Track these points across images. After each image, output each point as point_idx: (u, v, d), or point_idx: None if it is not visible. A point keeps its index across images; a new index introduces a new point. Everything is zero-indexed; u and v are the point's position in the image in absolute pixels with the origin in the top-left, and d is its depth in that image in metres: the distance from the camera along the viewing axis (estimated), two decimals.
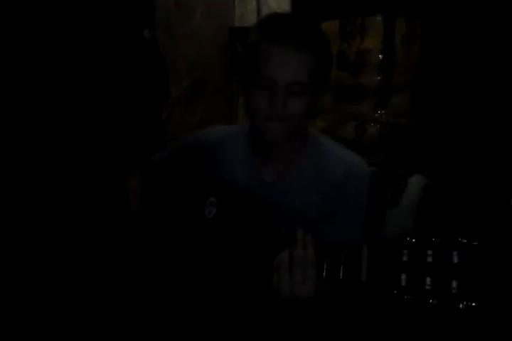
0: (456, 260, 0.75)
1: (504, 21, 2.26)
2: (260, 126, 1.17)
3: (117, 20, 1.69)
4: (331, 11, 2.46)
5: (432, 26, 2.40)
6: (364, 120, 2.49)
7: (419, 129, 2.45)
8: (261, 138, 1.21)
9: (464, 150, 2.24)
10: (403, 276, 0.79)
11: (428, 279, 0.77)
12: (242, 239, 1.08)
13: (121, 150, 1.67)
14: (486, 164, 2.05)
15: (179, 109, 2.22)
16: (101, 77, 1.63)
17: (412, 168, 2.03)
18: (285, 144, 1.21)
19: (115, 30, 1.68)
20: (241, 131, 1.32)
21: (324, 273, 0.90)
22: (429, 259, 0.77)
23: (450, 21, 2.41)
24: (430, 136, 2.42)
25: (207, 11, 2.45)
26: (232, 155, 1.30)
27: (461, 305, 0.73)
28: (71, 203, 1.51)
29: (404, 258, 0.80)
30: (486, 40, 2.36)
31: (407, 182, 1.40)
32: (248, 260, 1.05)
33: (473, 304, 0.72)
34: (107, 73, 1.65)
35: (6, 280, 1.35)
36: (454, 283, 0.74)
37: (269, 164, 1.26)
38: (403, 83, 2.46)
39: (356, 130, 2.52)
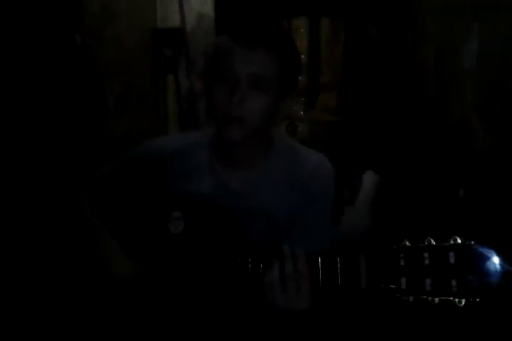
0: (452, 260, 0.78)
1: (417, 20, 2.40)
2: (221, 127, 1.15)
3: (48, 25, 1.61)
4: (256, 13, 2.48)
5: (355, 26, 2.51)
6: (294, 119, 2.55)
7: (347, 125, 2.55)
8: (222, 142, 1.19)
9: (396, 142, 2.36)
10: (403, 280, 0.81)
11: (428, 281, 0.79)
12: (215, 253, 1.06)
13: (66, 162, 1.58)
14: (426, 157, 2.16)
15: (111, 118, 2.13)
16: (36, 86, 1.54)
17: (345, 164, 2.10)
18: (248, 148, 1.19)
19: (47, 36, 1.59)
20: (201, 139, 1.29)
21: (321, 284, 0.89)
22: (427, 261, 0.80)
23: (371, 21, 2.52)
24: (358, 132, 2.53)
25: (130, 13, 2.37)
26: (193, 164, 1.26)
27: (463, 302, 0.76)
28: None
29: (402, 263, 0.81)
30: (405, 37, 2.51)
31: (361, 179, 1.45)
32: (225, 274, 1.03)
33: (477, 300, 0.75)
34: (42, 81, 1.56)
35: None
36: (454, 282, 0.77)
37: (234, 171, 1.23)
38: (330, 82, 2.55)
39: (287, 128, 2.57)
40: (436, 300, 0.78)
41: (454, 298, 0.77)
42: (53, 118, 1.64)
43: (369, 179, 1.46)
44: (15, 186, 1.45)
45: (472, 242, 0.77)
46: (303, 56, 2.51)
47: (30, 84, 1.49)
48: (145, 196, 1.27)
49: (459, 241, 0.78)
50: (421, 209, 1.54)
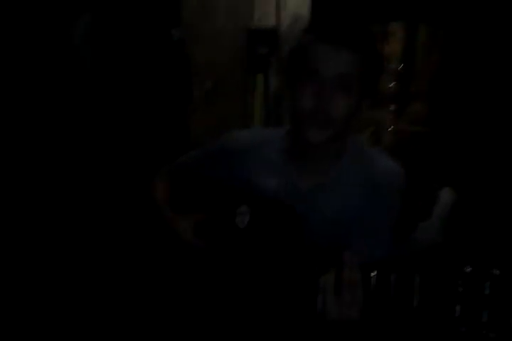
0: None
1: None
2: (305, 128, 1.15)
3: (145, 19, 1.68)
4: (353, 16, 2.44)
5: (454, 35, 2.40)
6: (380, 127, 2.49)
7: (436, 137, 2.44)
8: (304, 142, 1.19)
9: (486, 158, 2.24)
10: (458, 307, 0.78)
11: (485, 312, 0.75)
12: (275, 252, 1.06)
13: (147, 152, 1.66)
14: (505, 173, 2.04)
15: (198, 111, 2.20)
16: (128, 78, 1.62)
17: (429, 176, 2.02)
18: (325, 150, 1.19)
19: (143, 29, 1.66)
20: (277, 136, 1.30)
21: (374, 297, 0.88)
22: (487, 291, 0.75)
23: (472, 31, 2.40)
24: (444, 145, 2.42)
25: (228, 13, 2.43)
26: (266, 160, 1.27)
27: None
28: (96, 205, 1.50)
29: (460, 289, 0.78)
30: (506, 50, 2.36)
31: (438, 196, 1.39)
32: (282, 274, 1.03)
33: None
34: (135, 74, 1.64)
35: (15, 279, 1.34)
36: None
37: (306, 171, 1.23)
38: (421, 91, 2.46)
39: (372, 137, 2.51)
40: (492, 334, 0.74)
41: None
42: (140, 109, 1.71)
43: (446, 196, 1.40)
44: (97, 172, 1.54)
45: None
46: (394, 63, 2.45)
47: (122, 74, 1.57)
48: (217, 188, 1.31)
49: None
50: (497, 229, 1.46)
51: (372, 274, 0.88)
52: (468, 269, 0.78)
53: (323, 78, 1.09)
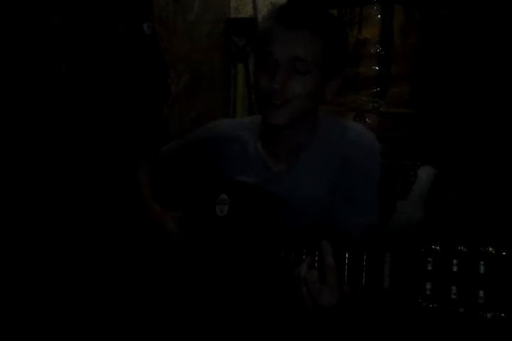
0: (482, 270, 0.74)
1: (502, 11, 2.25)
2: (265, 112, 1.15)
3: (116, 14, 1.67)
4: (328, 1, 2.43)
5: (430, 14, 2.39)
6: (363, 110, 2.48)
7: (419, 119, 2.44)
8: (268, 127, 1.20)
9: (467, 139, 2.25)
10: (428, 285, 0.78)
11: (454, 288, 0.75)
12: (255, 239, 1.07)
13: (126, 145, 1.66)
14: (490, 153, 2.05)
15: (178, 104, 2.20)
16: (102, 74, 1.61)
17: (415, 158, 2.03)
18: (293, 133, 1.19)
19: (114, 25, 1.65)
20: (251, 124, 1.31)
21: (346, 280, 0.88)
22: (455, 268, 0.76)
23: (448, 9, 2.39)
24: (431, 126, 2.42)
25: (203, 4, 2.42)
26: (241, 148, 1.28)
27: (488, 315, 0.72)
28: (79, 198, 1.50)
29: (429, 267, 0.78)
30: (485, 28, 2.36)
31: (416, 174, 1.40)
32: (262, 261, 1.04)
33: (502, 314, 0.70)
34: (109, 69, 1.63)
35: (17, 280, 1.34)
36: (481, 293, 0.73)
37: (278, 153, 1.24)
38: (402, 73, 2.45)
39: (355, 120, 2.50)
40: (461, 309, 0.74)
41: (480, 310, 0.73)
42: (117, 104, 1.71)
43: (425, 173, 1.40)
44: (77, 167, 1.53)
45: (504, 253, 0.72)
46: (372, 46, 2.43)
47: (94, 71, 1.57)
48: (197, 177, 1.32)
49: (492, 250, 0.73)
50: (480, 208, 1.46)
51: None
52: (437, 247, 0.79)
53: (277, 61, 1.10)
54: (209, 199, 1.24)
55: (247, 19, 2.71)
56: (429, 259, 0.78)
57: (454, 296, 0.75)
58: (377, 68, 2.43)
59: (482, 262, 0.73)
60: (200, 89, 2.40)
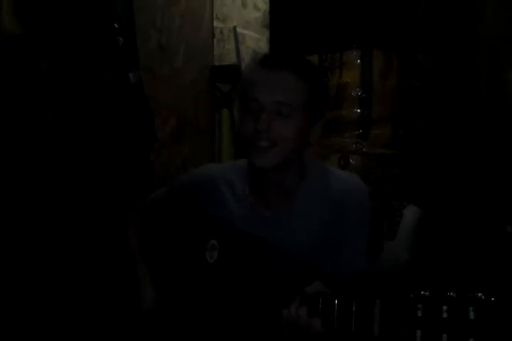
0: (472, 316, 0.73)
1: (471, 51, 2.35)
2: (251, 156, 1.16)
3: (102, 64, 1.71)
4: (310, 47, 2.52)
5: (408, 59, 2.48)
6: (347, 151, 2.53)
7: (402, 159, 2.49)
8: (254, 171, 1.20)
9: (449, 178, 2.28)
10: (418, 332, 0.77)
11: (444, 336, 0.74)
12: (245, 284, 1.06)
13: (114, 194, 1.66)
14: (473, 191, 2.08)
15: (164, 150, 2.22)
16: (87, 122, 1.63)
17: (398, 197, 2.05)
18: (280, 174, 1.20)
19: (101, 75, 1.69)
20: (236, 168, 1.31)
21: (336, 326, 0.87)
22: (445, 315, 0.75)
23: (425, 54, 2.49)
24: (413, 166, 2.47)
25: (188, 52, 2.49)
26: (230, 192, 1.28)
27: None
28: (68, 248, 1.48)
29: (419, 314, 0.78)
30: (459, 68, 2.45)
31: (402, 214, 1.41)
32: (254, 306, 1.03)
33: None
34: (95, 118, 1.65)
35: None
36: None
37: (267, 198, 1.24)
38: (383, 115, 2.52)
39: (340, 161, 2.54)
40: None
41: None
42: (103, 152, 1.72)
43: (411, 214, 1.42)
44: (63, 211, 1.52)
45: (493, 299, 0.72)
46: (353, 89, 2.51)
47: (79, 118, 1.58)
48: (185, 224, 1.31)
49: (481, 296, 0.73)
50: (466, 246, 1.46)
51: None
52: (427, 293, 0.78)
53: (262, 105, 1.12)
54: (199, 245, 1.23)
55: (231, 66, 2.79)
56: (419, 306, 0.77)
57: None
58: (358, 111, 2.50)
59: (472, 308, 0.73)
60: (185, 135, 2.44)
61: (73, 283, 1.42)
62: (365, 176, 2.47)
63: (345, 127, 2.53)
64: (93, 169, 1.63)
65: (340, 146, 2.52)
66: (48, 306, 1.37)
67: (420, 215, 1.43)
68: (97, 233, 1.52)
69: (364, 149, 2.51)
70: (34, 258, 1.42)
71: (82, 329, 1.32)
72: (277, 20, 2.81)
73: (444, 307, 0.75)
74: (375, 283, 0.87)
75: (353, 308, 0.84)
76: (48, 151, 1.51)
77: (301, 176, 1.23)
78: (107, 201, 1.63)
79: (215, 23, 2.81)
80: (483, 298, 0.72)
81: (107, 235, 1.48)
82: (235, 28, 2.79)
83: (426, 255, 1.35)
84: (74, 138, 1.58)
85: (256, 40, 2.79)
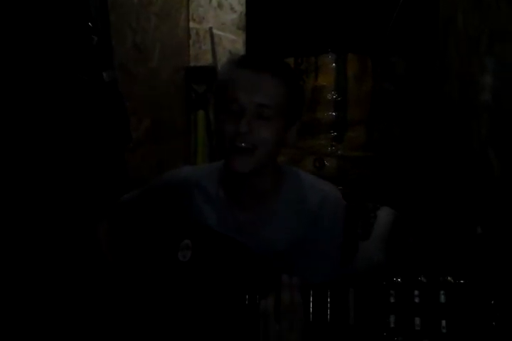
0: (443, 299, 0.75)
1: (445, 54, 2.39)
2: (230, 159, 1.15)
3: (76, 62, 1.69)
4: (285, 50, 2.54)
5: (382, 62, 2.51)
6: (322, 154, 2.55)
7: (376, 161, 2.52)
8: (232, 174, 1.20)
9: (422, 179, 2.32)
10: (392, 318, 0.78)
11: (417, 319, 0.76)
12: (219, 283, 1.06)
13: (87, 193, 1.64)
14: (444, 192, 2.11)
15: (139, 150, 2.20)
16: (62, 121, 1.61)
17: (372, 199, 2.07)
18: (257, 180, 1.20)
19: (74, 73, 1.67)
20: (213, 170, 1.30)
21: (311, 317, 0.88)
22: (417, 300, 0.77)
23: (398, 57, 2.53)
24: (387, 168, 2.50)
25: (163, 52, 2.48)
26: (205, 195, 1.27)
27: None
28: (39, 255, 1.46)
29: (392, 300, 0.79)
30: (431, 72, 2.49)
31: (376, 215, 1.43)
32: (227, 304, 1.02)
33: None
34: (68, 117, 1.63)
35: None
36: (444, 323, 0.74)
37: (242, 201, 1.24)
38: (358, 117, 2.54)
39: (315, 164, 2.56)
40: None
41: (443, 340, 0.73)
42: (77, 151, 1.69)
43: (384, 215, 1.43)
44: (37, 215, 1.50)
45: (462, 281, 0.74)
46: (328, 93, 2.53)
47: (53, 117, 1.56)
48: (159, 225, 1.30)
49: (450, 279, 0.75)
50: (438, 246, 1.49)
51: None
52: (398, 279, 0.80)
53: (243, 107, 1.12)
54: (171, 245, 1.22)
55: (206, 67, 2.78)
56: (392, 292, 0.79)
57: (417, 328, 0.76)
58: (334, 114, 2.52)
59: (442, 291, 0.74)
60: (161, 136, 2.42)
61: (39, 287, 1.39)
62: (340, 178, 2.50)
63: (321, 130, 2.55)
64: (66, 168, 1.60)
65: (315, 149, 2.53)
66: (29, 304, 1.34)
67: (394, 216, 1.45)
68: (69, 232, 1.50)
69: (339, 152, 2.53)
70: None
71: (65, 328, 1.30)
72: (253, 22, 2.82)
73: (416, 292, 0.76)
74: (349, 277, 0.88)
75: (328, 298, 0.84)
76: (20, 151, 1.48)
77: (275, 179, 1.23)
78: (79, 200, 1.61)
79: (191, 24, 2.81)
80: (452, 281, 0.74)
81: (79, 235, 1.46)
82: (211, 28, 2.79)
83: (399, 253, 1.38)
84: (46, 137, 1.56)
85: (232, 42, 2.79)
